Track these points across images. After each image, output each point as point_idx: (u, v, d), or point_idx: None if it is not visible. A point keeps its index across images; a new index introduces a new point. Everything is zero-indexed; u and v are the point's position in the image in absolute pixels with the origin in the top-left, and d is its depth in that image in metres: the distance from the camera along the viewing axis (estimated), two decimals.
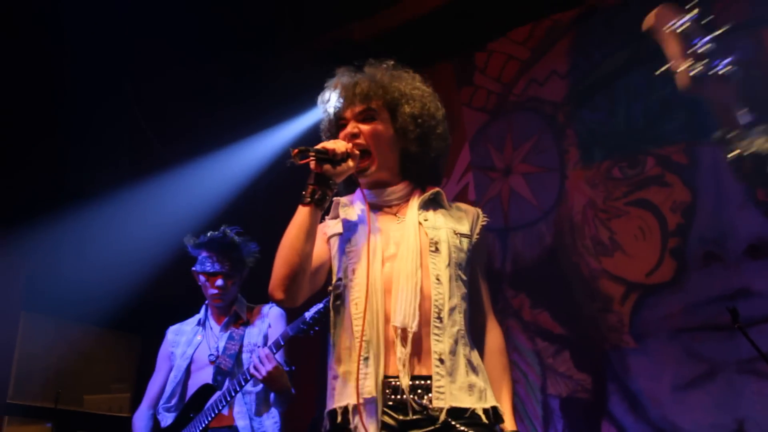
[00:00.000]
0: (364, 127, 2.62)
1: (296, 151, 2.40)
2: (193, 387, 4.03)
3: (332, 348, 2.50)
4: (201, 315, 4.26)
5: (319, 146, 2.47)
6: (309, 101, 6.01)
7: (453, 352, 2.39)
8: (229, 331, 4.11)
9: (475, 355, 2.49)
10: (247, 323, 4.15)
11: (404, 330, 2.36)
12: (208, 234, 4.18)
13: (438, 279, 2.45)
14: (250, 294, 4.32)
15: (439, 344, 2.38)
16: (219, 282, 4.09)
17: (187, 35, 5.93)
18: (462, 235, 2.60)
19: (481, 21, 6.02)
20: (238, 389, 3.83)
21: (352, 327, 2.41)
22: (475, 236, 2.65)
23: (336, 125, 2.70)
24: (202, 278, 4.15)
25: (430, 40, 6.10)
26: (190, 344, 4.16)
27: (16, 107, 5.59)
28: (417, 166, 2.68)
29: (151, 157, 6.20)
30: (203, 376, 4.04)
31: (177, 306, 4.54)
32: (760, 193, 4.65)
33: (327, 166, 2.45)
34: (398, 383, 2.34)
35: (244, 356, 4.03)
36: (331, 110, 2.70)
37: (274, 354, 3.77)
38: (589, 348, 5.15)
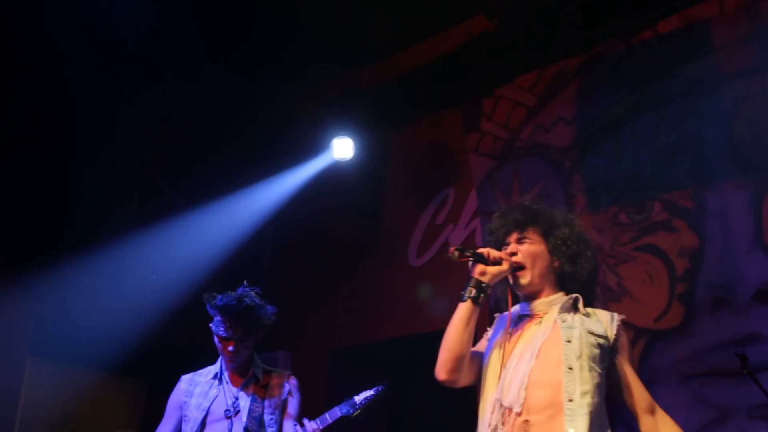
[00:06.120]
0: (521, 247, 3.04)
1: (454, 249, 2.87)
2: None
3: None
4: (217, 368, 4.25)
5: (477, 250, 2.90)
6: (315, 146, 6.06)
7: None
8: (251, 393, 4.14)
9: None
10: (266, 386, 4.18)
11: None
12: (224, 298, 4.12)
13: (570, 368, 2.75)
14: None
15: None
16: (230, 348, 4.09)
17: (196, 84, 5.99)
18: (596, 335, 2.88)
19: (488, 67, 6.06)
20: None
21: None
22: (612, 336, 2.94)
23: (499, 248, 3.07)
24: (216, 338, 4.15)
25: (437, 87, 6.14)
26: (206, 396, 4.15)
27: (25, 152, 5.65)
28: (574, 284, 3.02)
29: (159, 203, 6.22)
30: (218, 429, 4.05)
31: (183, 353, 4.53)
32: (767, 237, 4.64)
33: (481, 266, 2.87)
34: None
35: (266, 418, 4.07)
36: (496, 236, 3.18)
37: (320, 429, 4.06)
38: None
